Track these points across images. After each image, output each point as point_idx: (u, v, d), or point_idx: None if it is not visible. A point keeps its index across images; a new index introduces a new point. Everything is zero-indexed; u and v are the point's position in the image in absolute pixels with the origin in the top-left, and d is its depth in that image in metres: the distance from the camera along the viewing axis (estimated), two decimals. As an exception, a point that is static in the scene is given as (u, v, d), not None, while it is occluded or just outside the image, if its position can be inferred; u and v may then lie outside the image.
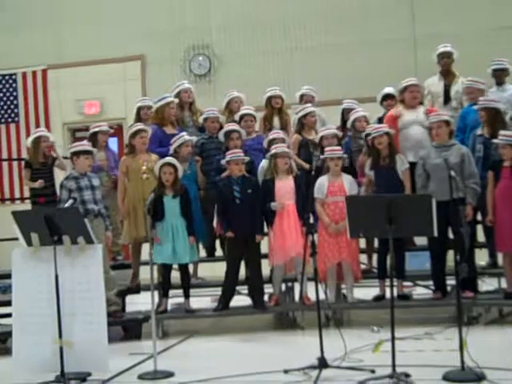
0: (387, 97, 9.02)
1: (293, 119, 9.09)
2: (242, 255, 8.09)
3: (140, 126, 8.57)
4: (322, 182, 8.01)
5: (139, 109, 9.25)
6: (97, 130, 8.98)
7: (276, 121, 9.16)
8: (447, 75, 8.96)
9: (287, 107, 9.44)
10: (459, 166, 7.57)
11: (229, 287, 8.15)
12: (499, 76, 8.81)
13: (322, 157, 8.08)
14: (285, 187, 8.05)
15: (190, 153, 8.43)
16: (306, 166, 8.44)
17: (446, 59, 9.02)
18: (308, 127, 8.80)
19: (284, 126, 9.10)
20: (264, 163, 8.41)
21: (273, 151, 8.09)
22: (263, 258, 8.24)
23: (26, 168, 9.13)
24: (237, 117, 8.96)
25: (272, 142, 8.31)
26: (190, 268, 8.65)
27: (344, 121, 9.04)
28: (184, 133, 8.55)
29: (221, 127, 8.83)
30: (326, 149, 8.10)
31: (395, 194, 7.34)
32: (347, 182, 8.03)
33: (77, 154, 7.86)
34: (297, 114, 8.91)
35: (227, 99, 9.33)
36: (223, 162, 8.14)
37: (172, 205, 7.94)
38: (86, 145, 8.04)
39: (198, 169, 8.57)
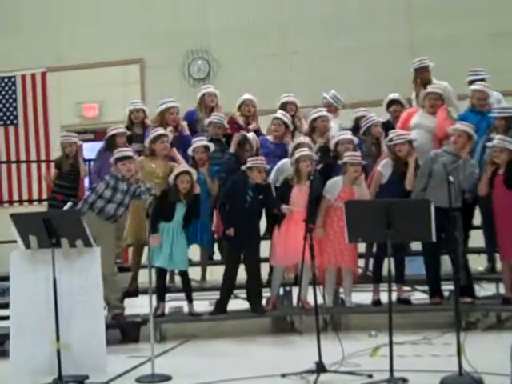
0: (392, 102, 9.06)
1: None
2: (240, 258, 8.11)
3: (161, 130, 8.52)
4: (337, 184, 7.94)
5: (130, 112, 9.25)
6: (114, 132, 8.90)
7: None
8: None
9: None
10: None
11: (227, 290, 8.15)
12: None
13: (340, 162, 8.04)
14: (300, 193, 7.98)
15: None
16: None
17: (425, 73, 9.01)
18: (319, 131, 8.77)
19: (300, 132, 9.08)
20: (279, 165, 8.44)
21: (297, 155, 8.03)
22: (263, 262, 8.25)
23: (54, 168, 9.32)
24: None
25: (298, 146, 8.26)
26: (198, 272, 8.75)
27: (356, 128, 8.93)
28: (202, 137, 8.59)
29: (225, 132, 8.87)
30: (346, 154, 8.02)
31: (394, 198, 7.39)
32: (359, 192, 7.97)
33: (121, 159, 7.83)
34: (309, 117, 8.90)
35: (239, 101, 9.25)
36: (244, 167, 8.09)
37: (181, 211, 7.97)
38: (128, 150, 8.02)
39: (206, 176, 8.50)
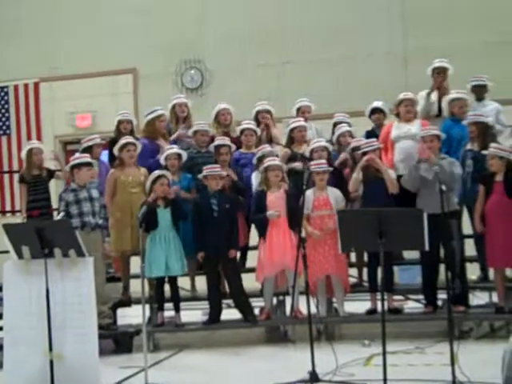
0: (375, 111, 9.08)
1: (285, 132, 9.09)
2: (217, 269, 8.11)
3: (129, 139, 8.56)
4: (308, 197, 7.97)
5: (119, 123, 9.23)
6: (91, 143, 8.91)
7: (263, 135, 9.16)
8: (439, 89, 8.97)
9: (279, 121, 9.47)
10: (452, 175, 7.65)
11: (214, 302, 8.14)
12: (479, 92, 8.86)
13: (307, 170, 8.06)
14: (276, 200, 8.05)
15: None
16: (286, 183, 8.32)
17: (440, 74, 9.00)
18: (297, 141, 8.80)
19: (269, 140, 9.06)
20: (254, 177, 8.43)
21: (265, 164, 8.10)
22: (250, 272, 8.26)
23: (21, 183, 9.09)
24: (238, 131, 8.95)
25: (263, 156, 8.31)
26: (187, 282, 8.68)
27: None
28: (174, 146, 8.61)
29: (211, 140, 8.82)
30: (312, 163, 8.08)
31: (386, 207, 7.39)
32: (332, 196, 8.05)
33: (78, 166, 7.89)
34: (287, 127, 8.92)
35: (215, 111, 9.33)
36: (200, 176, 8.15)
37: (165, 216, 7.99)
38: (87, 157, 8.10)
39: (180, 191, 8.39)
